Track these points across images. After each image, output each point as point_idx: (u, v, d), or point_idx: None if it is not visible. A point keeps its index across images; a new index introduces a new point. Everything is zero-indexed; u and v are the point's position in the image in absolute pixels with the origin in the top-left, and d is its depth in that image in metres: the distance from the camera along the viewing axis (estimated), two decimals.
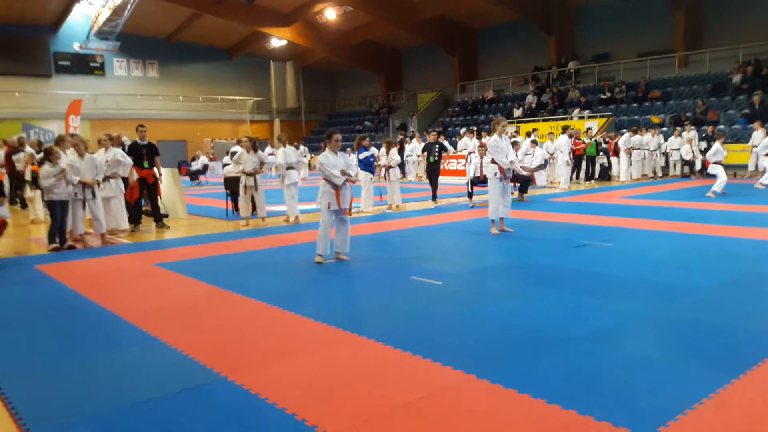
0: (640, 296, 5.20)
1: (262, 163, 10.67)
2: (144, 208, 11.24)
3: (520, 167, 9.67)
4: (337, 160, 6.99)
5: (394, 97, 35.93)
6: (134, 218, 10.43)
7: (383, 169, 13.15)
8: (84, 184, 8.74)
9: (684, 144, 18.21)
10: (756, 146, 16.55)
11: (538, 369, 3.63)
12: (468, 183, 12.77)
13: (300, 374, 3.69)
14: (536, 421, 2.98)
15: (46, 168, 8.26)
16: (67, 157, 8.97)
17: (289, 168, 10.88)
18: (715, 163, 12.88)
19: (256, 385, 3.50)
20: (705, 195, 12.67)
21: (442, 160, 14.15)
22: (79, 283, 6.42)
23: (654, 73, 23.98)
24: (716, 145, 13.07)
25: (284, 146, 11.14)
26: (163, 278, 6.62)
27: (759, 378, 3.38)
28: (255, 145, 10.65)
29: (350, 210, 7.15)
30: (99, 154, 9.63)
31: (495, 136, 8.64)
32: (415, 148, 21.80)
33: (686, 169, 18.72)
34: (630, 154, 18.03)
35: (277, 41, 33.68)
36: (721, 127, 18.80)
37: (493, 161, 8.59)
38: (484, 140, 10.48)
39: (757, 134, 16.51)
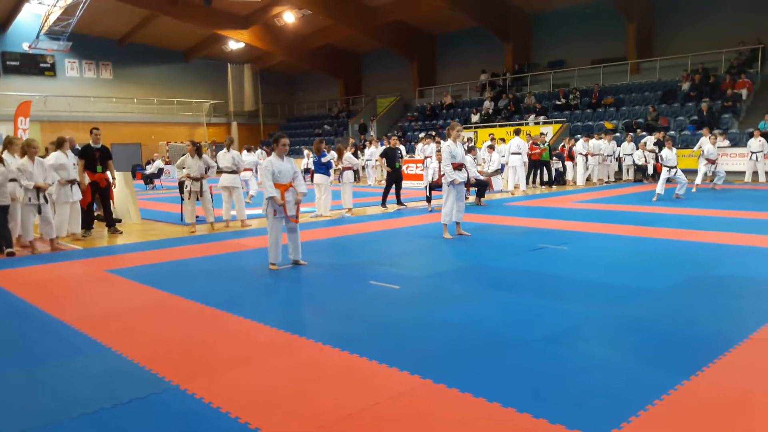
0: (595, 299, 5.28)
1: (208, 168, 10.49)
2: (96, 213, 10.96)
3: (477, 172, 9.73)
4: (283, 166, 6.84)
5: (354, 101, 35.96)
6: (86, 223, 10.17)
7: (337, 172, 13.10)
8: (38, 189, 8.48)
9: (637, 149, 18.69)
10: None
11: (493, 372, 3.64)
12: (426, 187, 12.82)
13: (254, 382, 3.62)
14: (490, 424, 2.99)
15: None
16: (17, 160, 8.67)
17: (219, 171, 11.01)
18: (671, 167, 13.15)
19: (208, 394, 3.42)
20: (656, 199, 12.94)
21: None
22: (25, 290, 6.20)
23: (607, 80, 24.57)
24: (666, 150, 13.38)
25: (227, 150, 11.14)
26: (114, 285, 6.45)
27: (710, 378, 3.46)
28: (199, 149, 10.49)
29: (297, 217, 7.02)
30: (58, 156, 9.30)
31: (449, 141, 8.67)
32: (374, 152, 21.66)
33: (639, 174, 19.19)
34: (587, 159, 18.39)
35: (235, 44, 33.37)
36: (672, 132, 19.32)
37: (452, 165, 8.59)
38: (442, 144, 10.51)
39: (705, 140, 16.98)
